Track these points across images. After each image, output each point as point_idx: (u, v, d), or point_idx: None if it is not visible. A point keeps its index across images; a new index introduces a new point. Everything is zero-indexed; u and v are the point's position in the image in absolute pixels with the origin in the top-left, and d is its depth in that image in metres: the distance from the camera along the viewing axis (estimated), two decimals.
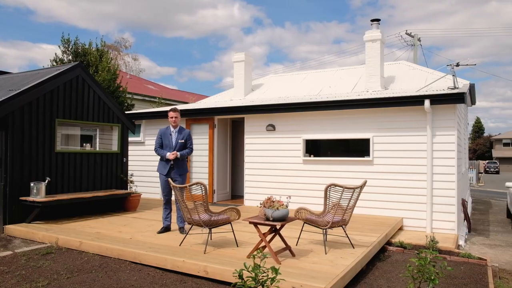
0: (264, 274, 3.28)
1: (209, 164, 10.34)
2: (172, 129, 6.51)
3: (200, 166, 10.51)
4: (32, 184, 6.97)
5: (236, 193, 11.61)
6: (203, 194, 5.11)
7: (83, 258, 5.42)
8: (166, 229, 6.49)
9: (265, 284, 3.25)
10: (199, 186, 5.10)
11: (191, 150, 6.58)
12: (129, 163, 10.38)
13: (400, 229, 7.79)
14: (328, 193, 5.15)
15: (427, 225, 7.65)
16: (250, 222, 4.93)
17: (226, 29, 73.03)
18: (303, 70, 14.23)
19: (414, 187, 7.83)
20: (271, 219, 4.75)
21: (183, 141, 6.48)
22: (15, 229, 6.76)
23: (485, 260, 5.87)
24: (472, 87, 11.65)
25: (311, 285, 4.01)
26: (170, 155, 6.30)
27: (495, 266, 5.60)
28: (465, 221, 9.18)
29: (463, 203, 9.14)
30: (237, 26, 74.12)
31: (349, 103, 8.28)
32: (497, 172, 49.44)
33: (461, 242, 7.57)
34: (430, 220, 7.64)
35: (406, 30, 23.19)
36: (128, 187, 9.06)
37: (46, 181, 7.24)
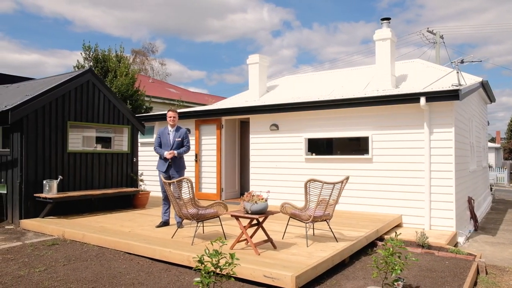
0: (223, 259, 3.55)
1: (217, 163, 10.68)
2: (170, 128, 6.89)
3: (209, 166, 10.87)
4: (44, 182, 7.52)
5: (246, 191, 11.87)
6: (190, 189, 5.43)
7: (84, 248, 5.86)
8: (165, 223, 6.86)
9: (223, 268, 3.51)
10: (186, 182, 5.42)
11: (188, 148, 6.93)
12: (143, 162, 10.89)
13: (399, 226, 7.83)
14: (308, 188, 5.34)
15: (426, 222, 7.65)
16: (232, 215, 5.20)
17: (255, 33, 73.62)
18: (331, 70, 14.41)
19: (412, 184, 7.86)
20: (249, 212, 5.01)
21: (180, 139, 6.85)
22: (29, 223, 7.32)
23: (474, 256, 5.87)
24: (485, 85, 11.44)
25: (280, 273, 4.24)
26: (167, 154, 6.67)
27: (482, 262, 5.59)
28: (472, 219, 9.07)
29: (469, 201, 9.04)
30: (266, 29, 74.51)
31: (347, 102, 8.40)
32: None
33: (460, 239, 7.53)
34: (429, 217, 7.65)
35: (428, 28, 22.79)
36: (138, 185, 9.53)
37: (59, 179, 7.78)
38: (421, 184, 7.77)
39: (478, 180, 11.48)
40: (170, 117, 6.84)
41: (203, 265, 3.51)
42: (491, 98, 13.48)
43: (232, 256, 3.49)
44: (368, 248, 6.18)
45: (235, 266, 3.50)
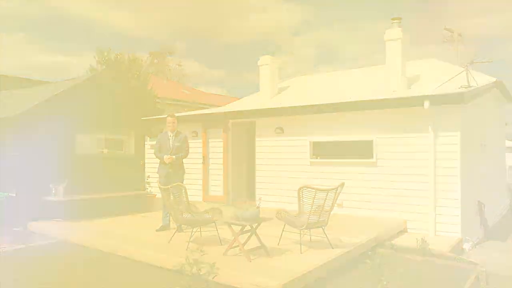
0: (204, 268, 3.57)
1: (224, 166, 10.72)
2: (169, 133, 6.96)
3: (216, 168, 10.91)
4: (51, 185, 7.71)
5: (253, 194, 11.89)
6: (184, 194, 5.48)
7: (83, 252, 5.99)
8: (165, 227, 6.93)
9: (203, 277, 3.54)
10: (180, 188, 5.48)
11: (187, 152, 7.01)
12: (152, 165, 11.02)
13: (403, 231, 7.69)
14: (301, 194, 5.31)
15: (431, 228, 7.49)
16: (225, 222, 5.22)
17: (275, 32, 73.27)
18: (344, 70, 14.37)
19: (417, 189, 7.70)
20: (240, 219, 5.01)
21: (179, 144, 6.92)
22: (36, 226, 7.51)
23: (475, 264, 5.72)
24: (499, 85, 11.11)
25: (267, 281, 4.23)
26: (166, 158, 6.75)
27: (483, 270, 5.44)
28: (481, 224, 8.83)
29: (479, 206, 8.81)
30: (286, 28, 73.96)
31: (351, 106, 8.31)
32: None
33: (466, 246, 7.35)
34: (434, 223, 7.48)
35: (445, 26, 22.25)
36: (145, 188, 9.66)
37: (65, 183, 7.96)
38: (425, 188, 7.60)
39: (492, 183, 11.15)
40: (170, 122, 6.92)
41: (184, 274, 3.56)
42: (508, 98, 13.08)
43: (211, 266, 3.52)
44: (367, 254, 6.09)
45: (215, 275, 3.52)
